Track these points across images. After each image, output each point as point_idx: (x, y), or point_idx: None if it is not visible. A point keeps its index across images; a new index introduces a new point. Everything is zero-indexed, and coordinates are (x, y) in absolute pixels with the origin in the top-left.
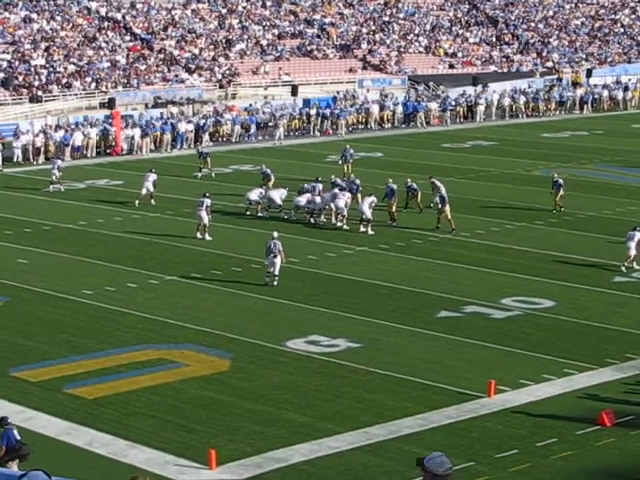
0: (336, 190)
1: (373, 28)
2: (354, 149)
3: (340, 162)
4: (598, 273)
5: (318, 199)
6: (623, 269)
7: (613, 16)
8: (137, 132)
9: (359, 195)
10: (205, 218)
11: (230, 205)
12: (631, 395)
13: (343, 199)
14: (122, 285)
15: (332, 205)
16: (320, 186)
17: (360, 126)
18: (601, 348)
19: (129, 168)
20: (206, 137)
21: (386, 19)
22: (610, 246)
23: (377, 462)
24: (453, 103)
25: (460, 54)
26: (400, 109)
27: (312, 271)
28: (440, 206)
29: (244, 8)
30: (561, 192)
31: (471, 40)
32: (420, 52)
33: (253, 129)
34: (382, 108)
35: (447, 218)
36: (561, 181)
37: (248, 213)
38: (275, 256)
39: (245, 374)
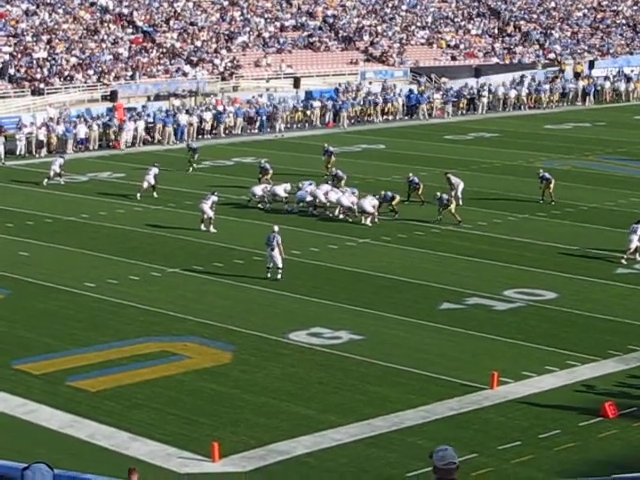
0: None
1: (375, 20)
2: (357, 141)
3: (323, 158)
4: (601, 265)
5: (320, 193)
6: (623, 262)
7: (615, 8)
8: (141, 125)
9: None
10: (209, 211)
11: (232, 197)
12: (634, 387)
13: (320, 191)
14: (124, 278)
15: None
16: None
17: (366, 118)
18: (604, 340)
19: (131, 161)
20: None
21: (388, 11)
22: (612, 238)
23: (380, 454)
24: (455, 95)
25: (462, 46)
26: (402, 101)
27: (314, 263)
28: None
29: (246, 0)
30: (552, 184)
31: (473, 32)
32: (422, 44)
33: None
34: (386, 101)
35: (450, 212)
36: (547, 175)
37: (250, 205)
38: (273, 249)
39: (247, 366)
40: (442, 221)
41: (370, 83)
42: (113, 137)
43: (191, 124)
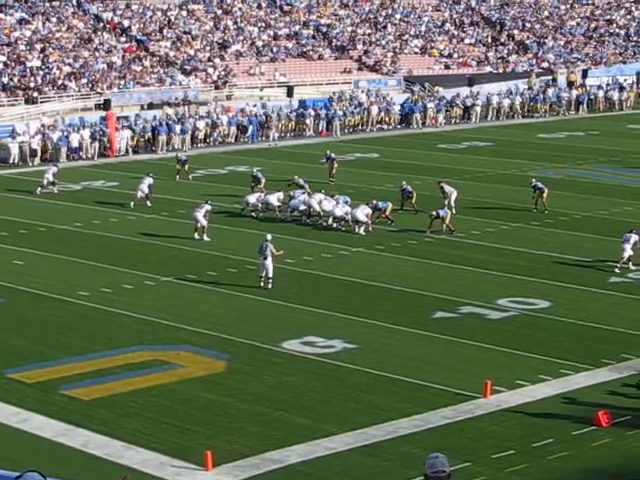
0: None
1: (369, 29)
2: (350, 150)
3: (327, 165)
4: (594, 274)
5: (314, 203)
6: (617, 270)
7: (609, 17)
8: (129, 133)
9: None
10: (203, 220)
11: (226, 206)
12: (627, 396)
13: (314, 200)
14: (118, 286)
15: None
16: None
17: (360, 127)
18: (597, 348)
19: (124, 169)
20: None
21: (381, 20)
22: (606, 247)
23: (374, 463)
24: (449, 104)
25: (455, 55)
26: (396, 110)
27: (308, 272)
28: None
29: (240, 9)
30: (545, 193)
31: (467, 41)
32: (416, 53)
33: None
34: (380, 109)
35: (444, 222)
36: (540, 184)
37: (243, 213)
38: (265, 258)
39: (241, 375)
40: (434, 231)
41: (362, 92)
42: (108, 145)
43: (185, 133)
